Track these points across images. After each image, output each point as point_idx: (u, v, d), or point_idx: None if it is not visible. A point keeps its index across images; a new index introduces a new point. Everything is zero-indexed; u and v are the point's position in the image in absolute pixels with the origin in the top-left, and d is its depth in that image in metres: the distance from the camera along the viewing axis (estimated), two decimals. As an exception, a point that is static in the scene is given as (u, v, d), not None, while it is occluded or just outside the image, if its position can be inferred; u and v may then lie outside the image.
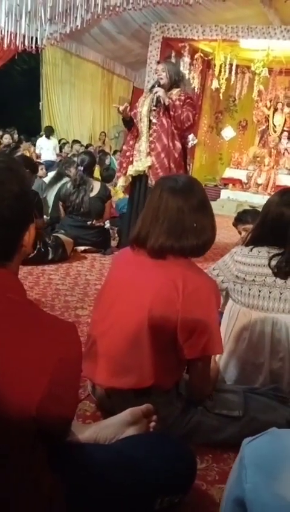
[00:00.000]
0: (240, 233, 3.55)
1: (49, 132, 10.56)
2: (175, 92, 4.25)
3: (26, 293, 1.06)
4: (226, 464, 1.68)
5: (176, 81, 4.31)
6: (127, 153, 4.48)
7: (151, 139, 4.26)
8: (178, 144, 4.28)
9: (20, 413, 0.91)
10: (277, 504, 0.74)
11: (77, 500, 1.15)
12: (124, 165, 4.48)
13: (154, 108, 4.20)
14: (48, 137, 10.40)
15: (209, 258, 4.46)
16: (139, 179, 4.41)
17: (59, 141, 10.98)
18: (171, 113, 4.17)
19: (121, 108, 4.29)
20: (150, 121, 4.27)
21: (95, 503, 1.20)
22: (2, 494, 0.97)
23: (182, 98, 4.22)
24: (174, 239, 1.60)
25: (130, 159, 4.42)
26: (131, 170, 4.37)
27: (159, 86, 4.22)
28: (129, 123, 4.42)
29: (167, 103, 4.14)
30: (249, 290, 2.00)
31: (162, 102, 4.15)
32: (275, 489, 0.75)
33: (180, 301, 1.57)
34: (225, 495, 0.88)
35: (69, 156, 8.23)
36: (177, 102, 4.17)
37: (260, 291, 1.98)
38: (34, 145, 10.25)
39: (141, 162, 4.31)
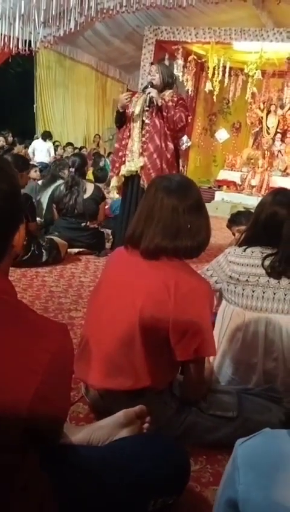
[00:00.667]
0: (234, 234, 3.55)
1: (46, 136, 10.55)
2: (168, 93, 4.26)
3: (19, 295, 1.04)
4: (220, 465, 1.67)
5: (168, 82, 4.31)
6: (120, 153, 4.48)
7: (143, 139, 4.26)
8: (171, 145, 4.28)
9: (11, 414, 0.90)
10: (269, 505, 0.73)
11: (69, 502, 1.14)
12: (117, 165, 4.47)
13: (147, 108, 4.20)
14: (44, 139, 10.39)
15: (203, 259, 4.45)
16: (131, 179, 4.40)
17: (53, 143, 10.97)
18: (164, 113, 4.17)
19: (124, 95, 4.29)
20: (142, 121, 4.27)
21: (88, 505, 1.19)
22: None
23: (175, 99, 4.23)
24: (169, 239, 1.59)
25: (123, 159, 4.42)
26: (123, 170, 4.37)
27: (151, 86, 4.22)
28: (122, 117, 4.41)
29: (159, 104, 4.14)
30: (243, 290, 2.00)
31: (155, 102, 4.16)
32: (268, 490, 0.74)
33: (172, 302, 1.56)
34: (217, 496, 0.87)
35: (63, 158, 8.21)
36: (170, 103, 4.17)
37: (253, 291, 1.98)
38: (28, 147, 10.24)
39: (133, 162, 4.30)
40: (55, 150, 10.46)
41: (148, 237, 1.61)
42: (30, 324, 0.96)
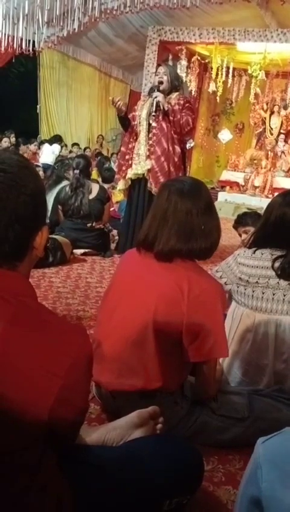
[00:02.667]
0: (240, 235, 3.56)
1: (56, 141, 10.57)
2: (174, 96, 4.27)
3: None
4: (231, 465, 1.69)
5: (175, 85, 4.32)
6: (127, 156, 4.49)
7: (150, 142, 4.27)
8: (178, 148, 4.30)
9: (33, 417, 0.91)
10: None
11: (85, 502, 1.15)
12: (124, 168, 4.48)
13: (153, 114, 4.21)
14: (50, 144, 10.42)
15: (209, 261, 4.46)
16: (138, 182, 4.41)
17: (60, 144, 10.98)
18: (171, 118, 4.18)
19: (116, 99, 4.26)
20: (149, 124, 4.28)
21: (103, 505, 1.20)
22: (12, 495, 0.97)
23: (181, 102, 4.24)
24: (184, 241, 1.61)
25: (130, 162, 4.43)
26: (130, 173, 4.38)
27: (158, 90, 4.23)
28: (124, 121, 4.43)
29: (166, 108, 4.15)
30: (253, 292, 2.01)
31: (161, 107, 4.16)
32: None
33: (186, 304, 1.58)
34: (239, 495, 0.88)
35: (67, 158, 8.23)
36: (176, 107, 4.18)
37: (263, 293, 1.99)
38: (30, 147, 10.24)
39: (140, 166, 4.31)
40: (60, 151, 10.46)
41: (162, 240, 1.62)
42: (51, 328, 0.97)
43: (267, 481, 0.80)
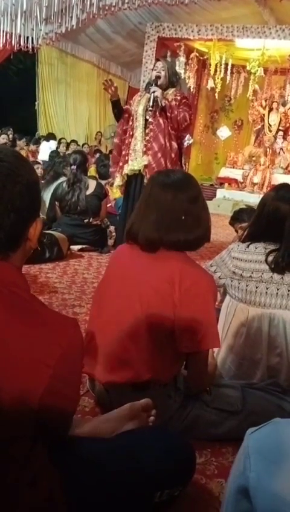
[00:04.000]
0: (237, 231, 3.57)
1: (50, 138, 10.56)
2: (171, 91, 4.25)
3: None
4: (224, 458, 1.69)
5: (173, 81, 4.31)
6: (123, 152, 4.48)
7: (147, 138, 4.25)
8: (175, 144, 4.29)
9: (22, 406, 0.92)
10: (280, 492, 0.75)
11: (76, 494, 1.15)
12: (121, 164, 4.47)
13: (150, 109, 4.19)
14: (47, 141, 10.41)
15: (205, 256, 4.49)
16: (134, 178, 4.40)
17: (59, 141, 10.96)
18: (168, 114, 4.17)
19: (109, 83, 4.26)
20: (146, 120, 4.27)
21: (94, 497, 1.21)
22: (2, 487, 0.97)
23: (178, 98, 4.22)
24: (163, 232, 1.61)
25: (126, 158, 4.42)
26: (126, 169, 4.37)
27: (155, 85, 4.21)
28: (116, 107, 4.41)
29: (163, 104, 4.14)
30: (246, 286, 2.01)
31: (158, 103, 4.15)
32: (279, 478, 0.76)
33: (177, 295, 1.58)
34: (228, 484, 0.88)
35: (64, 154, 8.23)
36: (174, 103, 4.17)
37: (257, 287, 1.99)
38: (28, 144, 10.23)
39: (136, 162, 4.30)
40: (57, 147, 10.45)
41: (144, 230, 1.64)
42: (42, 318, 0.97)
43: (255, 471, 0.81)
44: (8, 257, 1.00)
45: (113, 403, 1.67)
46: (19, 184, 0.97)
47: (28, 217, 1.01)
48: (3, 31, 8.13)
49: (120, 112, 4.40)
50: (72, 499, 1.13)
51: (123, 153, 4.46)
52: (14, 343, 0.92)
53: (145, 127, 4.26)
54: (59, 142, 10.81)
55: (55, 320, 0.99)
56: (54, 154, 8.11)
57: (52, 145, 10.22)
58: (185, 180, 1.70)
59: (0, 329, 0.92)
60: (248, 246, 2.03)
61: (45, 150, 10.02)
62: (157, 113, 4.20)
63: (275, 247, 1.97)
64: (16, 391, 0.91)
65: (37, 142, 10.42)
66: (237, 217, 3.57)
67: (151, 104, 4.16)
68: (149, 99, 4.18)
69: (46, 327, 0.96)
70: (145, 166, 4.27)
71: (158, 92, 4.13)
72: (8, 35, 8.25)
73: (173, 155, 4.27)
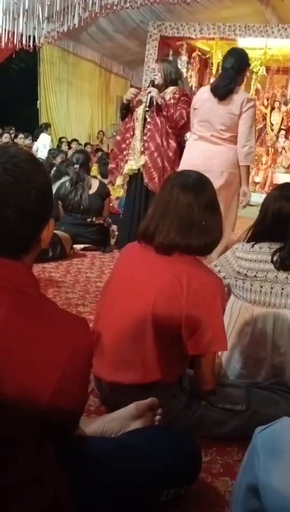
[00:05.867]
0: None
1: (40, 131, 10.48)
2: (170, 90, 4.23)
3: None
4: (230, 456, 1.70)
5: (172, 79, 4.29)
6: (124, 152, 4.50)
7: (145, 138, 4.28)
8: (173, 143, 4.25)
9: (31, 405, 0.92)
10: (289, 490, 0.75)
11: (83, 493, 1.16)
12: (122, 164, 4.48)
13: (147, 109, 4.21)
14: (46, 131, 10.33)
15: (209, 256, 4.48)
16: (135, 177, 4.41)
17: (60, 140, 10.93)
18: (164, 113, 4.18)
19: (133, 90, 4.32)
20: (145, 119, 4.29)
21: (101, 496, 1.21)
22: (8, 485, 0.98)
23: (177, 96, 4.20)
24: (183, 236, 1.61)
25: (126, 157, 4.44)
26: (126, 169, 4.39)
27: (153, 85, 4.24)
28: (126, 108, 4.43)
29: (159, 103, 4.15)
30: (251, 285, 2.02)
31: (154, 102, 4.16)
32: (288, 475, 0.77)
33: (185, 298, 1.58)
34: (237, 482, 0.89)
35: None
36: (171, 101, 4.16)
37: (261, 286, 2.00)
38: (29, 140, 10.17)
39: (135, 161, 4.33)
40: (59, 146, 10.43)
41: (163, 232, 1.62)
42: (52, 317, 0.98)
43: (264, 469, 0.82)
44: (20, 258, 1.00)
45: (118, 402, 1.67)
46: (34, 189, 0.97)
47: (42, 220, 1.01)
48: (5, 30, 8.12)
49: (129, 112, 4.43)
50: (79, 497, 1.13)
51: (124, 152, 4.47)
52: (24, 342, 0.92)
53: (144, 127, 4.29)
54: (60, 141, 10.78)
55: (65, 320, 1.00)
56: (55, 153, 8.04)
57: (45, 142, 10.04)
58: (203, 182, 1.69)
59: (10, 328, 0.92)
60: (252, 246, 2.03)
61: (41, 148, 9.87)
62: (154, 112, 4.22)
63: (280, 247, 1.97)
64: (24, 390, 0.91)
65: (31, 136, 10.27)
66: None
67: (148, 104, 4.19)
68: (146, 99, 4.22)
69: (56, 326, 0.97)
70: (143, 165, 4.28)
71: (154, 92, 4.15)
72: (10, 33, 8.23)
73: (170, 154, 4.24)
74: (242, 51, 3.96)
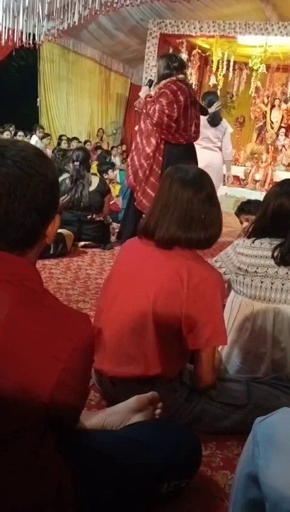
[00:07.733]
0: (241, 223, 3.58)
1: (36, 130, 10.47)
2: (162, 83, 4.16)
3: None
4: (229, 450, 1.71)
5: (163, 75, 4.16)
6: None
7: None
8: (153, 140, 4.20)
9: (33, 399, 0.92)
10: (288, 479, 0.76)
11: (85, 486, 1.17)
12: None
13: (136, 109, 4.27)
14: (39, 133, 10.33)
15: (208, 253, 4.48)
16: None
17: (60, 137, 10.91)
18: (144, 110, 4.19)
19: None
20: None
21: (102, 488, 1.22)
22: (11, 478, 0.99)
23: (160, 90, 4.06)
24: (183, 230, 1.62)
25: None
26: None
27: (150, 85, 4.28)
28: None
29: (141, 102, 4.20)
30: (251, 281, 2.03)
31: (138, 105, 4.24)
32: (288, 465, 0.77)
33: (185, 293, 1.59)
34: (237, 472, 0.90)
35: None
36: (149, 98, 4.14)
37: (262, 282, 2.01)
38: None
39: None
40: (59, 144, 10.41)
41: (163, 227, 1.63)
42: (55, 312, 0.98)
43: (264, 458, 0.82)
44: (25, 253, 1.01)
45: (119, 396, 1.68)
46: (42, 183, 0.97)
47: (48, 215, 1.02)
48: (5, 27, 8.11)
49: None
50: (81, 489, 1.14)
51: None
52: (26, 337, 0.93)
53: None
54: (60, 139, 10.77)
55: (67, 315, 1.00)
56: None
57: (37, 140, 10.01)
58: (202, 176, 1.70)
59: (14, 322, 0.92)
60: (253, 242, 2.04)
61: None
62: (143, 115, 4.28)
63: (280, 242, 1.98)
64: (27, 384, 0.92)
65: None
66: (244, 208, 3.60)
67: (137, 105, 4.27)
68: (139, 101, 4.28)
69: (58, 321, 0.97)
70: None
71: (141, 92, 4.21)
72: (10, 31, 8.23)
73: (148, 150, 4.22)
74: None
